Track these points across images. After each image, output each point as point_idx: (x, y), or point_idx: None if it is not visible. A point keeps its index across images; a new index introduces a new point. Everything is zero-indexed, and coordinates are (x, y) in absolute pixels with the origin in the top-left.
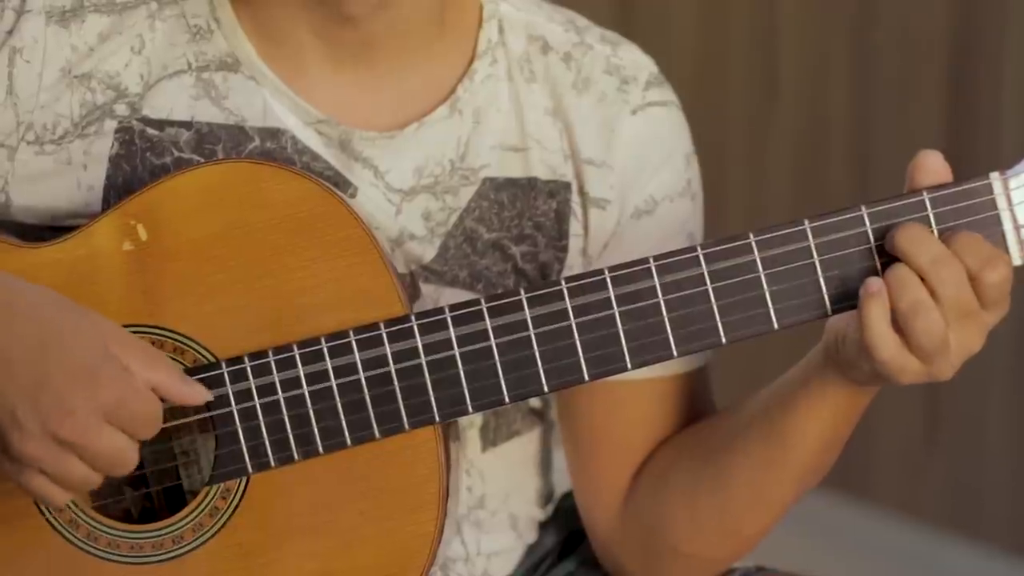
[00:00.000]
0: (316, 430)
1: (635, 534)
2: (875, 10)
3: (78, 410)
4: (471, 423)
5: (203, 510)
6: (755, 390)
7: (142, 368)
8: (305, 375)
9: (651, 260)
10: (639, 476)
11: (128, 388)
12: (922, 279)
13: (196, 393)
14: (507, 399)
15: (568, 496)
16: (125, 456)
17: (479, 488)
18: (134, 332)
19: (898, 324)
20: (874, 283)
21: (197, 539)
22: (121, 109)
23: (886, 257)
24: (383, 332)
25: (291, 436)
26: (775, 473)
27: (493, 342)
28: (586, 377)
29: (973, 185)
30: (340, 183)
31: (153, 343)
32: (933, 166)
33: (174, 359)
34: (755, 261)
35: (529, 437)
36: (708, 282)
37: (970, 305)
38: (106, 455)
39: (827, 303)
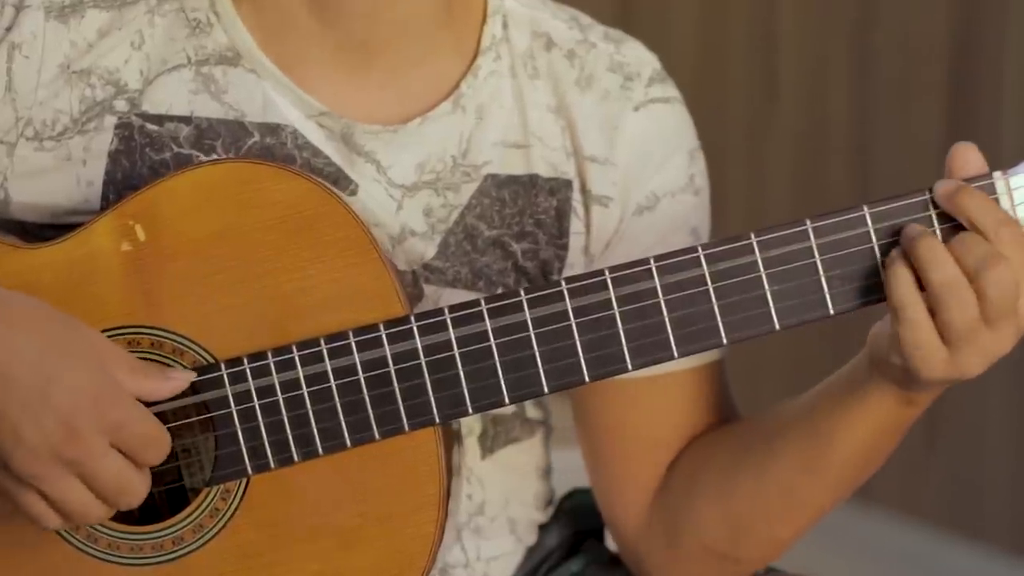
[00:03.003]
0: (316, 431)
1: (663, 533)
2: (875, 11)
3: (83, 430)
4: (470, 431)
5: (203, 511)
6: (757, 391)
7: (127, 381)
8: (304, 376)
9: (652, 260)
10: (668, 476)
11: (131, 409)
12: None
13: (178, 382)
14: (507, 400)
15: (568, 497)
16: (131, 482)
17: (479, 495)
18: (133, 333)
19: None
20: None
21: (197, 540)
22: (120, 105)
23: (888, 257)
24: (383, 333)
25: (291, 437)
26: (813, 477)
27: (493, 343)
28: (586, 378)
29: (975, 184)
30: (341, 179)
31: (152, 344)
32: (971, 157)
33: (173, 360)
34: (756, 261)
35: (528, 443)
36: (709, 282)
37: (1008, 306)
38: (109, 479)
39: (829, 303)
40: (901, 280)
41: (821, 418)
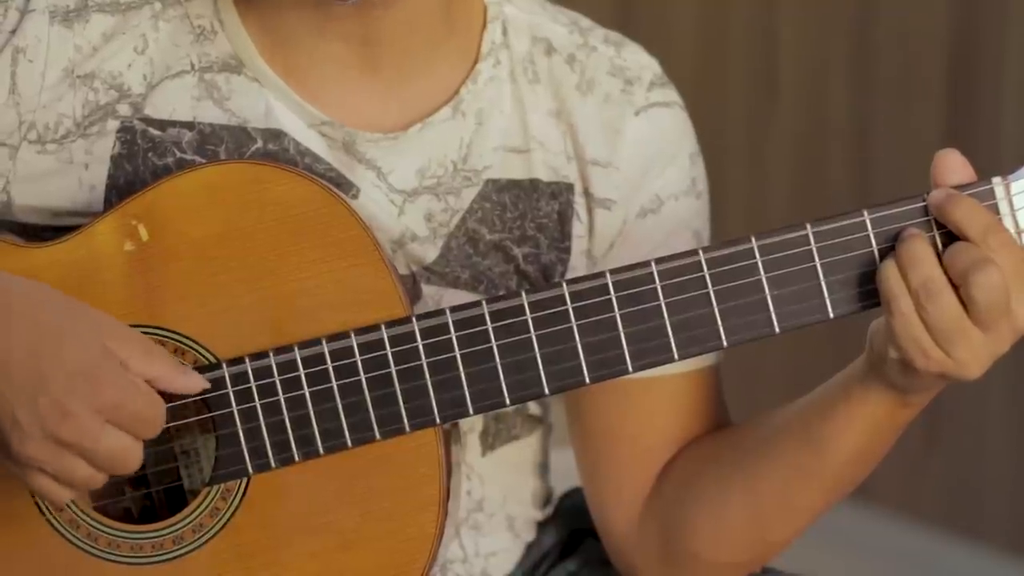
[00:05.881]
0: (317, 431)
1: (654, 539)
2: (875, 10)
3: (78, 412)
4: (471, 428)
5: (203, 510)
6: (755, 395)
7: (139, 362)
8: (306, 376)
9: (653, 263)
10: (660, 482)
11: (128, 388)
12: (956, 286)
13: (193, 383)
14: (508, 401)
15: (567, 496)
16: (127, 455)
17: (478, 492)
18: None
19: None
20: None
21: (197, 539)
22: (123, 109)
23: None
24: (384, 334)
25: (292, 437)
26: (807, 481)
27: (494, 344)
28: (587, 380)
29: (974, 190)
30: (342, 184)
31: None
32: (955, 165)
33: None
34: (757, 265)
35: (528, 441)
36: (709, 285)
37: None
38: (108, 455)
39: (828, 307)
40: (891, 273)
41: (815, 422)
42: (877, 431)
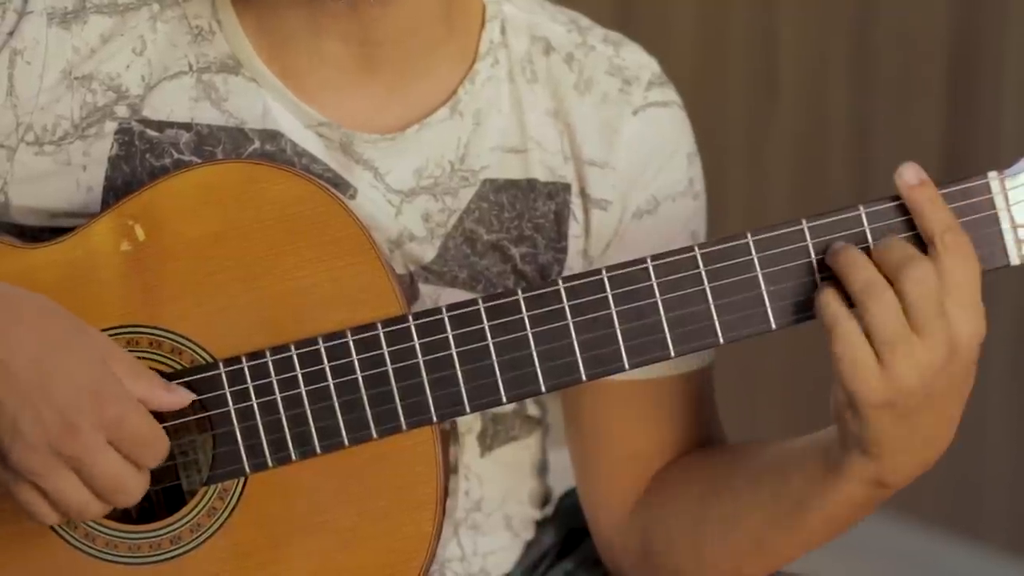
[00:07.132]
0: (314, 430)
1: (638, 548)
2: (875, 10)
3: (82, 427)
4: (469, 428)
5: (201, 510)
6: (753, 393)
7: (127, 381)
8: (302, 375)
9: (648, 260)
10: (648, 490)
11: (129, 405)
12: (891, 281)
13: (179, 399)
14: (504, 399)
15: (567, 496)
16: (126, 481)
17: (476, 492)
18: (132, 333)
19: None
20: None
21: (195, 539)
22: (121, 110)
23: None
24: (380, 332)
25: (288, 436)
26: (782, 533)
27: (490, 342)
28: (583, 377)
29: (971, 184)
30: (340, 185)
31: (151, 343)
32: (917, 179)
33: (171, 360)
34: (752, 261)
35: (526, 442)
36: (705, 282)
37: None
38: (106, 476)
39: None
40: (829, 297)
41: (795, 484)
42: (852, 505)
